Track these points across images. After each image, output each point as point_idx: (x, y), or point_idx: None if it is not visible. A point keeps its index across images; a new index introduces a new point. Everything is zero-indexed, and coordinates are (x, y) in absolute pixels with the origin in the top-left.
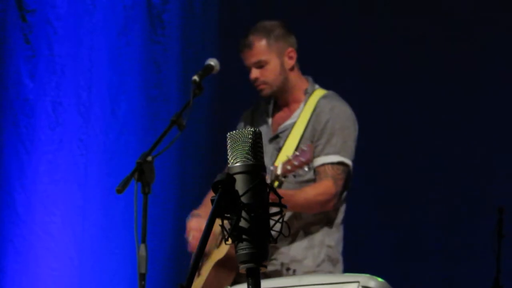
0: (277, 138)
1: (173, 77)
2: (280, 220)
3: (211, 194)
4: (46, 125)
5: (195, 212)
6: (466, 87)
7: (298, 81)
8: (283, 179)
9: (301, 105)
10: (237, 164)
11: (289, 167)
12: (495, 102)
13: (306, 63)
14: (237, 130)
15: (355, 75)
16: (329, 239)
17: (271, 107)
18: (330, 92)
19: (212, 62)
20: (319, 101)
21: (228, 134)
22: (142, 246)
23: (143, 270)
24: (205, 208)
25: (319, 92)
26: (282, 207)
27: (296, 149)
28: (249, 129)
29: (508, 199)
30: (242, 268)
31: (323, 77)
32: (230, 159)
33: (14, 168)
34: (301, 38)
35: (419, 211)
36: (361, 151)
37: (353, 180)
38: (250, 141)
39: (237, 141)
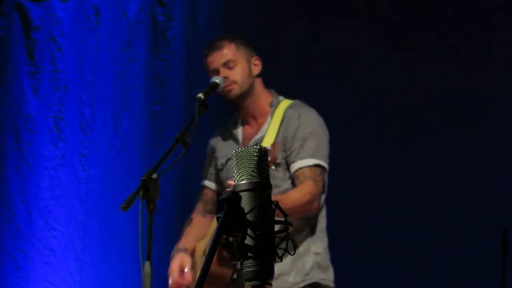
0: None
1: (176, 94)
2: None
3: (190, 224)
4: (48, 140)
5: (178, 246)
6: (472, 99)
7: (263, 92)
8: None
9: (268, 118)
10: (243, 181)
11: None
12: (502, 120)
13: (310, 66)
14: (243, 148)
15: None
16: (315, 246)
17: (239, 125)
18: (296, 101)
19: (217, 79)
20: (286, 111)
21: (234, 151)
22: (147, 264)
23: None
24: (186, 240)
25: (285, 103)
26: (288, 224)
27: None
28: (255, 146)
29: None
30: (247, 286)
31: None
32: (235, 176)
33: (16, 183)
34: (305, 53)
35: (421, 227)
36: (367, 160)
37: (361, 189)
38: (255, 158)
39: (243, 158)
